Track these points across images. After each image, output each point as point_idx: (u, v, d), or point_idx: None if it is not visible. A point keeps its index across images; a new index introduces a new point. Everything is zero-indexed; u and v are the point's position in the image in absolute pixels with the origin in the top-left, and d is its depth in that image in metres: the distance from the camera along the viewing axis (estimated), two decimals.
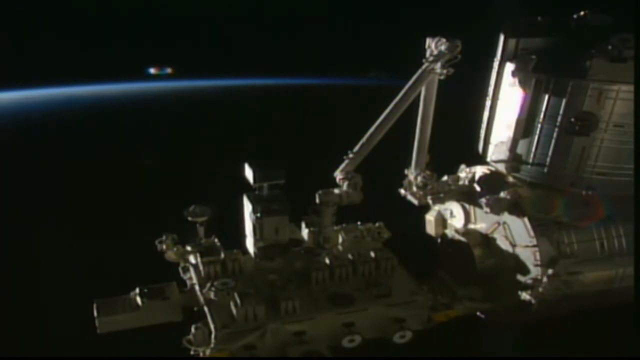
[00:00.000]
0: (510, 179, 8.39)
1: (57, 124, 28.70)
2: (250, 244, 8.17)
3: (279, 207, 7.76)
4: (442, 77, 7.69)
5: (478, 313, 8.58)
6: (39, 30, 28.74)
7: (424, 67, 7.71)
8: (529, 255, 7.78)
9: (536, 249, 7.65)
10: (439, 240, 9.43)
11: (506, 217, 8.02)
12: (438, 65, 7.57)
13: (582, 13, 7.96)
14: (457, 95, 9.32)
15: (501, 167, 8.49)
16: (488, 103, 8.51)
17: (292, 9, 28.83)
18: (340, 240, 8.63)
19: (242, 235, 8.36)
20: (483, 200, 7.98)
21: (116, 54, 29.44)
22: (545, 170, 7.96)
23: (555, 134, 7.73)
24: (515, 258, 8.01)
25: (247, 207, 7.97)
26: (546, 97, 7.67)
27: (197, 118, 28.72)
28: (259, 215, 7.71)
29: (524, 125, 7.93)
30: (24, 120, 30.66)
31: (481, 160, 8.88)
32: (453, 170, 8.98)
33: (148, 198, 18.66)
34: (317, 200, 8.20)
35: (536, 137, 7.92)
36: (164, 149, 23.55)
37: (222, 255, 8.12)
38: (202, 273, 7.95)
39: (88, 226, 17.38)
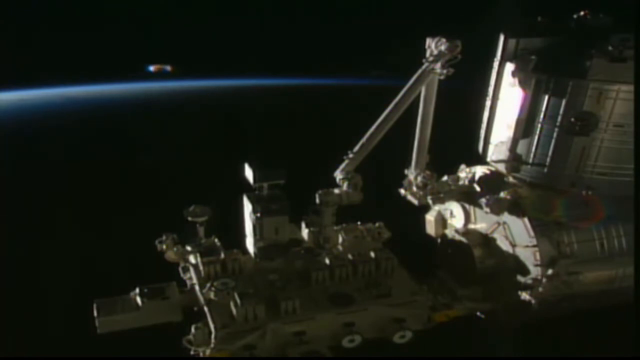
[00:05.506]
0: (510, 179, 8.39)
1: (56, 124, 28.70)
2: (250, 244, 8.17)
3: (279, 207, 7.76)
4: (442, 77, 7.69)
5: (478, 313, 8.57)
6: (38, 29, 28.75)
7: (424, 67, 7.71)
8: (529, 255, 7.77)
9: (536, 249, 7.65)
10: (439, 240, 9.43)
11: (506, 217, 8.02)
12: (438, 65, 7.56)
13: (582, 13, 7.96)
14: (457, 95, 9.33)
15: (501, 167, 8.49)
16: (488, 103, 8.51)
17: (292, 8, 28.86)
18: (340, 240, 8.62)
19: (242, 235, 8.36)
20: (483, 201, 7.98)
21: (116, 53, 29.44)
22: (545, 170, 7.96)
23: (555, 134, 7.73)
24: (515, 258, 8.00)
25: (247, 207, 7.96)
26: (546, 97, 7.67)
27: (198, 118, 28.73)
28: (259, 215, 7.71)
29: (524, 125, 7.92)
30: (23, 121, 30.65)
31: (481, 160, 8.88)
32: (453, 170, 8.97)
33: (148, 198, 18.66)
34: (317, 200, 8.20)
35: (536, 137, 7.92)
36: (164, 149, 23.54)
37: (222, 255, 8.12)
38: (202, 273, 7.95)
39: (88, 226, 17.39)
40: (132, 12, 28.98)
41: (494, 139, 8.55)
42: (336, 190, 8.19)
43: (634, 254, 7.41)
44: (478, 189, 8.55)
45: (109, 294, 7.79)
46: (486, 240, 8.48)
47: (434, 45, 7.65)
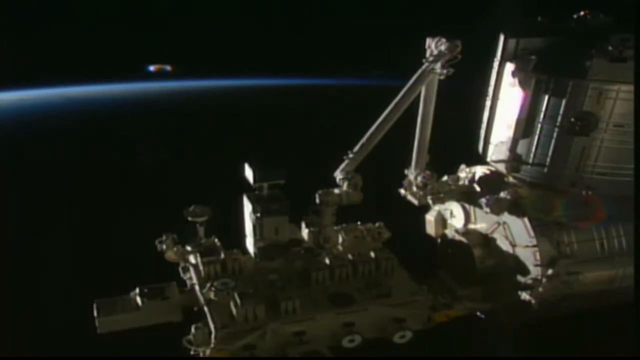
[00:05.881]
0: (510, 179, 8.39)
1: (56, 124, 28.69)
2: (250, 244, 8.17)
3: (279, 207, 7.75)
4: (442, 77, 7.68)
5: (478, 313, 8.57)
6: (38, 29, 28.74)
7: (424, 67, 7.71)
8: (529, 255, 7.77)
9: (536, 249, 7.64)
10: (439, 240, 9.42)
11: (506, 217, 8.02)
12: (438, 65, 7.56)
13: (582, 13, 7.96)
14: (457, 95, 9.32)
15: (501, 167, 8.49)
16: (488, 103, 8.51)
17: (292, 8, 28.85)
18: (340, 240, 8.62)
19: (242, 235, 8.36)
20: (483, 201, 7.98)
21: (116, 53, 29.43)
22: (545, 170, 7.96)
23: (555, 134, 7.73)
24: (515, 258, 8.00)
25: (247, 207, 7.96)
26: (546, 97, 7.67)
27: (198, 118, 28.73)
28: (259, 215, 7.71)
29: (524, 125, 7.92)
30: (23, 121, 30.65)
31: (481, 160, 8.88)
32: (453, 170, 8.97)
33: (148, 198, 18.66)
34: (317, 200, 8.20)
35: (536, 137, 7.92)
36: (164, 149, 23.54)
37: (222, 255, 8.12)
38: (202, 273, 7.95)
39: (88, 226, 17.39)
40: (132, 12, 28.97)
41: (494, 139, 8.55)
42: (336, 190, 8.19)
43: (634, 254, 7.42)
44: (478, 189, 8.55)
45: (109, 294, 7.79)
46: (486, 240, 8.48)
47: (434, 45, 7.64)
